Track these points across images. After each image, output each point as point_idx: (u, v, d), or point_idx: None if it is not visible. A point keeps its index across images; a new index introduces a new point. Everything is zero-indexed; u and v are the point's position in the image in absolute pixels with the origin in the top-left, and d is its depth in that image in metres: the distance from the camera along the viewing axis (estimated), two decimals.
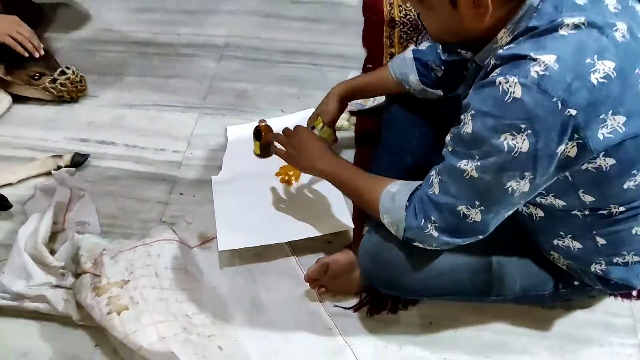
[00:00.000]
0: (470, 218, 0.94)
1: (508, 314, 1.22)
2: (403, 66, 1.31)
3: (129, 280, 1.18)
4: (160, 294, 1.19)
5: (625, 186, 0.93)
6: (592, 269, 1.06)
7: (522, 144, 0.83)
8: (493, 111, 0.84)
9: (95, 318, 1.13)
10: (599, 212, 0.98)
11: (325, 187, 1.35)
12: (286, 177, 1.44)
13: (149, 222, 1.39)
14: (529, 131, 0.83)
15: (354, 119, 1.60)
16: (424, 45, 1.30)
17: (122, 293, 1.15)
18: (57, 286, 1.22)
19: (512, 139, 0.84)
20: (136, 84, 1.73)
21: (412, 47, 1.33)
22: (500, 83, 0.83)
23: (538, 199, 0.99)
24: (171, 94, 1.69)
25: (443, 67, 1.26)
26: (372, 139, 1.45)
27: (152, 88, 1.71)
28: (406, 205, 0.99)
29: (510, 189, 0.89)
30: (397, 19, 1.91)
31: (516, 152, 0.84)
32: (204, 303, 1.22)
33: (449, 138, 0.94)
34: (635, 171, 0.91)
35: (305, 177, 1.42)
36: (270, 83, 1.72)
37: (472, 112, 0.87)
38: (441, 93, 1.29)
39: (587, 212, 0.99)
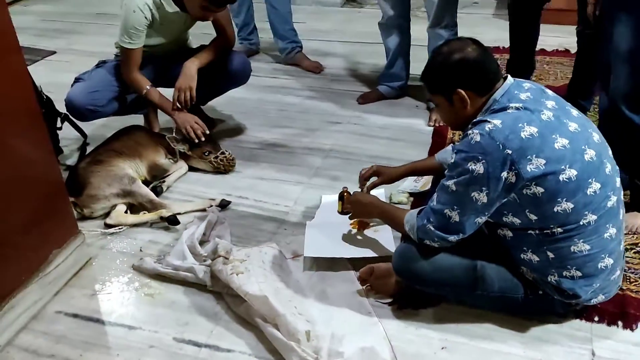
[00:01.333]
0: (452, 219, 1.55)
1: (496, 320, 1.70)
2: (445, 154, 1.99)
3: (246, 260, 1.86)
4: (263, 272, 1.84)
5: (555, 210, 1.49)
6: (549, 279, 1.58)
7: (479, 168, 1.47)
8: (465, 148, 1.50)
9: (221, 277, 1.80)
10: (545, 231, 1.54)
11: (380, 235, 1.99)
12: (357, 226, 2.10)
13: (261, 242, 2.08)
14: (483, 161, 1.46)
15: (411, 198, 2.27)
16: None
17: (240, 265, 1.82)
18: (200, 265, 1.93)
19: (474, 165, 1.47)
20: (267, 167, 2.54)
21: (451, 144, 2.03)
22: (470, 133, 1.49)
23: (504, 219, 1.57)
24: (289, 174, 2.48)
25: None
26: None
27: (277, 170, 2.51)
28: (417, 214, 1.64)
29: (474, 197, 1.50)
30: (456, 141, 2.61)
31: (476, 173, 1.47)
32: (290, 285, 1.85)
33: (445, 170, 1.59)
34: (559, 199, 1.48)
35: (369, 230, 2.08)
36: (356, 173, 2.42)
37: (455, 150, 1.53)
38: None
39: (537, 231, 1.55)
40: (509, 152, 1.43)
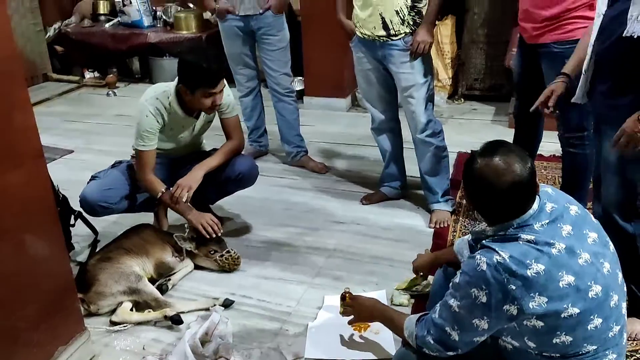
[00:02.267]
0: (452, 337, 1.56)
1: None
2: (461, 243, 1.96)
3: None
4: None
5: (554, 341, 1.49)
6: None
7: (482, 298, 1.48)
8: (469, 272, 1.50)
9: None
10: (544, 354, 1.54)
11: (380, 337, 2.02)
12: (358, 328, 2.13)
13: (263, 343, 2.11)
14: (487, 291, 1.46)
15: (412, 300, 2.30)
16: (479, 227, 2.04)
17: None
18: None
19: (477, 292, 1.47)
20: (271, 266, 2.60)
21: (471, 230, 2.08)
22: (477, 258, 1.49)
23: (503, 338, 1.59)
24: (292, 273, 2.53)
25: None
26: None
27: (280, 269, 2.57)
28: (417, 321, 1.67)
29: (475, 323, 1.50)
30: None
31: (479, 302, 1.47)
32: None
33: (450, 284, 1.63)
34: (559, 332, 1.47)
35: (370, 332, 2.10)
36: (359, 274, 2.50)
37: (461, 270, 1.57)
38: None
39: (536, 352, 1.55)
40: (513, 287, 1.42)
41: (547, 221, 1.48)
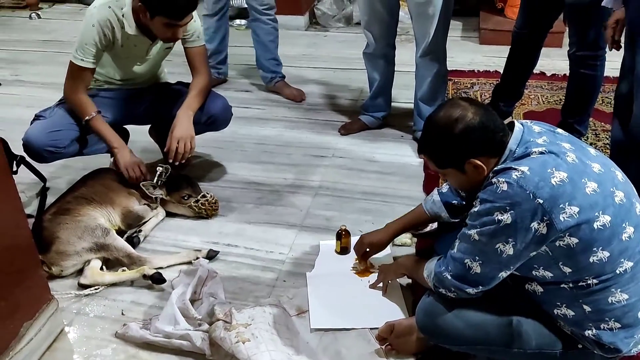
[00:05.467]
0: (472, 270, 1.42)
1: None
2: (434, 207, 1.86)
3: (250, 324, 1.65)
4: (271, 336, 1.64)
5: (590, 260, 1.36)
6: (587, 334, 1.44)
7: (506, 219, 1.33)
8: (490, 198, 1.36)
9: (224, 347, 1.59)
10: (579, 284, 1.41)
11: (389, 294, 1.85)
12: (361, 272, 1.94)
13: (259, 298, 1.88)
14: (512, 211, 1.33)
15: (415, 239, 2.12)
16: (445, 188, 1.86)
17: (246, 331, 1.62)
18: (196, 330, 1.71)
19: (501, 215, 1.34)
20: (253, 209, 2.34)
21: (436, 190, 1.89)
22: (494, 182, 1.36)
23: (534, 272, 1.44)
24: (278, 216, 2.28)
25: (464, 202, 1.80)
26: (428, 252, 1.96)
27: (265, 212, 2.31)
28: (436, 261, 1.50)
29: (499, 249, 1.37)
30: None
31: (503, 224, 1.34)
32: (300, 349, 1.66)
33: (467, 218, 1.45)
34: (595, 248, 1.35)
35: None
36: (351, 213, 2.28)
37: (479, 199, 1.39)
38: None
39: (571, 285, 1.42)
40: (540, 201, 1.31)
41: (545, 138, 1.41)
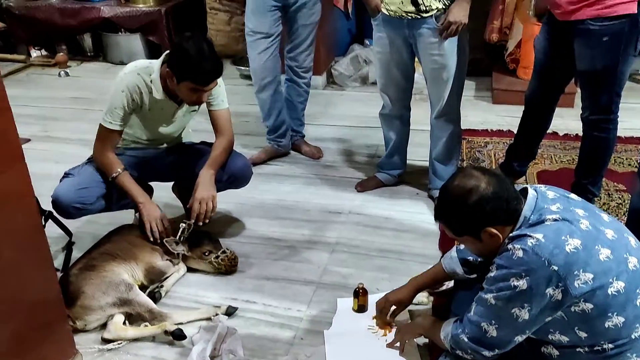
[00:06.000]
0: (489, 333, 1.46)
1: None
2: (452, 263, 1.91)
3: None
4: None
5: (606, 325, 1.40)
6: None
7: (522, 285, 1.38)
8: (506, 264, 1.42)
9: None
10: (595, 348, 1.44)
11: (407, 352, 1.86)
12: (380, 327, 1.97)
13: (278, 356, 1.91)
14: (527, 277, 1.38)
15: (431, 298, 2.15)
16: (462, 245, 1.90)
17: None
18: None
19: (516, 281, 1.39)
20: (271, 265, 2.39)
21: (455, 247, 1.94)
22: (510, 249, 1.41)
23: (549, 336, 1.47)
24: (296, 273, 2.33)
25: (479, 260, 1.84)
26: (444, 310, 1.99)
27: (283, 268, 2.36)
28: (453, 323, 1.54)
29: (514, 314, 1.41)
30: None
31: (519, 289, 1.38)
32: None
33: (484, 283, 1.49)
34: (610, 314, 1.39)
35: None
36: (368, 270, 2.33)
37: (495, 265, 1.44)
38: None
39: (587, 349, 1.45)
40: (555, 268, 1.37)
41: (559, 205, 1.47)
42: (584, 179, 2.52)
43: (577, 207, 1.50)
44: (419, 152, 3.07)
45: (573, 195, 1.58)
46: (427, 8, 2.34)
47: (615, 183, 2.85)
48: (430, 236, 2.53)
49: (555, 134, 3.40)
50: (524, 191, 1.54)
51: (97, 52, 5.21)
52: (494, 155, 3.24)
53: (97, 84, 4.55)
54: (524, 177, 2.93)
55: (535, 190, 1.53)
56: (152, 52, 4.84)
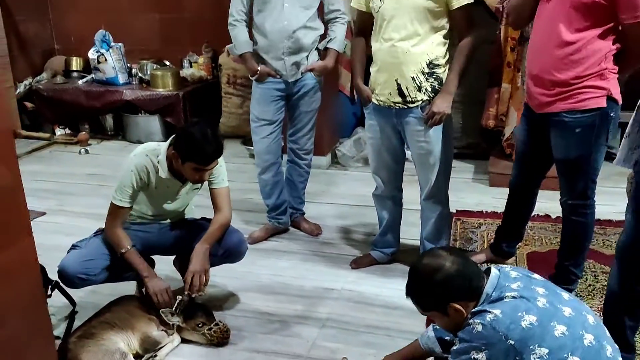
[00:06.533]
0: None
1: None
2: (429, 342, 2.01)
3: None
4: None
5: None
6: None
7: (481, 357, 1.49)
8: (467, 337, 1.53)
9: None
10: None
11: None
12: None
13: None
14: (486, 350, 1.48)
15: None
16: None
17: None
18: None
19: (476, 354, 1.49)
20: (263, 338, 2.48)
21: (431, 325, 2.03)
22: (471, 323, 1.52)
23: None
24: (286, 347, 2.41)
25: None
26: None
27: (273, 342, 2.45)
28: None
29: None
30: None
31: None
32: None
33: (449, 356, 1.59)
34: None
35: None
36: (356, 346, 2.40)
37: (458, 338, 1.54)
38: None
39: None
40: (512, 342, 1.47)
41: (519, 283, 1.58)
42: (566, 261, 2.61)
43: (538, 286, 1.61)
44: (412, 232, 3.19)
45: (536, 275, 1.69)
46: (413, 99, 2.54)
47: (602, 265, 2.92)
48: (419, 314, 2.60)
49: (547, 216, 3.51)
50: (488, 270, 1.66)
51: (117, 131, 5.53)
52: (487, 235, 3.34)
53: (113, 161, 4.80)
54: (513, 258, 3.02)
55: (499, 270, 1.65)
56: (168, 132, 5.13)
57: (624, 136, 1.99)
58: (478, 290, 1.59)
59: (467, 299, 1.59)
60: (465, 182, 4.25)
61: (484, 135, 4.56)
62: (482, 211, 3.68)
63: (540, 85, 2.38)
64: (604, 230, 3.30)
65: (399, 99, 2.56)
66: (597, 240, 3.17)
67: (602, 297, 2.66)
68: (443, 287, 1.59)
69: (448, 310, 1.60)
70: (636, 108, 1.97)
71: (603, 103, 2.28)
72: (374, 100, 2.66)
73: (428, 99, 2.54)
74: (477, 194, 3.99)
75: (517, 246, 3.03)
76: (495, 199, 3.86)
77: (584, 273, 2.76)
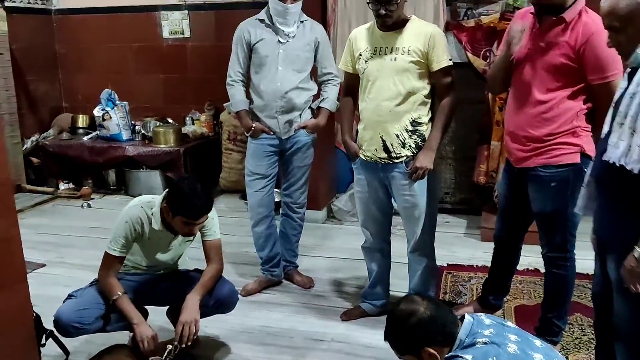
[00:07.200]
0: None
1: None
2: None
3: None
4: None
5: None
6: None
7: None
8: None
9: None
10: None
11: None
12: None
13: None
14: None
15: None
16: None
17: None
18: None
19: None
20: None
21: None
22: None
23: None
24: None
25: None
26: None
27: None
28: None
29: None
30: None
31: None
32: None
33: None
34: None
35: None
36: None
37: None
38: None
39: None
40: None
41: (492, 330, 1.63)
42: (549, 313, 2.65)
43: (510, 333, 1.67)
44: (402, 285, 3.23)
45: (510, 323, 1.76)
46: (398, 155, 2.67)
47: (588, 318, 2.95)
48: None
49: (536, 270, 3.56)
50: (463, 318, 1.72)
51: (119, 185, 5.66)
52: (476, 289, 3.39)
53: (115, 215, 4.78)
54: (501, 311, 3.06)
55: (473, 317, 1.72)
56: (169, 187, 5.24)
57: (582, 185, 2.05)
58: (452, 336, 1.66)
59: (441, 344, 1.65)
60: (458, 237, 4.32)
61: (476, 190, 4.67)
62: (472, 265, 3.74)
63: (517, 141, 2.50)
64: (590, 283, 3.33)
65: (385, 155, 2.68)
66: (584, 294, 3.22)
67: (588, 349, 2.70)
68: (417, 331, 1.66)
69: (422, 354, 1.65)
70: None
71: (576, 159, 2.39)
72: (361, 156, 2.79)
73: (412, 154, 2.67)
74: (469, 249, 4.06)
75: (505, 299, 3.08)
76: (487, 254, 3.86)
77: (569, 326, 2.80)
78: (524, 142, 2.47)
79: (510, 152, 2.58)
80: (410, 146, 2.66)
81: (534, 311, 3.06)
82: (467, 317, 1.71)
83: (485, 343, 1.60)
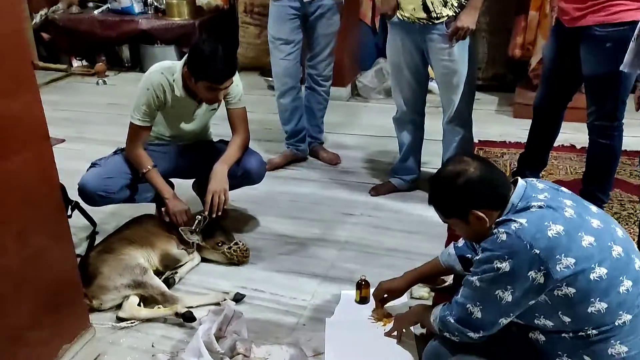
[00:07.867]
0: (474, 315, 1.51)
1: None
2: (449, 259, 1.99)
3: (267, 358, 1.77)
4: None
5: (589, 310, 1.44)
6: None
7: (505, 267, 1.43)
8: (490, 247, 1.48)
9: None
10: (579, 334, 1.48)
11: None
12: (379, 318, 2.04)
13: (280, 338, 2.00)
14: (510, 260, 1.43)
15: (432, 293, 2.20)
16: (461, 242, 1.97)
17: None
18: None
19: (500, 263, 1.44)
20: (281, 259, 2.48)
21: (452, 244, 2.01)
22: (495, 232, 1.47)
23: (535, 321, 1.52)
24: (304, 267, 2.42)
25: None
26: None
27: (292, 262, 2.45)
28: (442, 306, 1.62)
29: (498, 296, 1.46)
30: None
31: (502, 271, 1.44)
32: None
33: (472, 266, 1.56)
34: (592, 299, 1.43)
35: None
36: (375, 267, 2.39)
37: (481, 248, 1.50)
38: None
39: (571, 334, 1.49)
40: (537, 251, 1.41)
41: (546, 194, 1.52)
42: (591, 186, 2.54)
43: (565, 198, 1.55)
44: (434, 161, 3.13)
45: (564, 189, 1.63)
46: (438, 15, 2.43)
47: (629, 194, 2.86)
48: (438, 237, 2.59)
49: (572, 146, 3.43)
50: (515, 182, 1.60)
51: (134, 62, 5.45)
52: (510, 165, 3.28)
53: (131, 92, 4.68)
54: None
55: (526, 181, 1.59)
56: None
57: (632, 39, 1.88)
58: (503, 199, 1.54)
59: (490, 207, 1.54)
60: (489, 114, 4.14)
61: (509, 66, 4.42)
62: (505, 141, 3.60)
63: (573, 0, 2.26)
64: (632, 160, 3.20)
65: (424, 15, 2.45)
66: (624, 170, 3.09)
67: (627, 225, 2.61)
68: (464, 192, 1.54)
69: (469, 217, 1.55)
70: None
71: (637, 16, 2.16)
72: (397, 15, 2.55)
73: (454, 14, 2.43)
74: (500, 125, 3.90)
75: (541, 174, 2.97)
76: (520, 130, 3.75)
77: (610, 200, 2.69)
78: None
79: (564, 11, 2.34)
80: (452, 5, 2.42)
81: (571, 186, 2.90)
82: (520, 181, 1.58)
83: (540, 207, 1.48)
